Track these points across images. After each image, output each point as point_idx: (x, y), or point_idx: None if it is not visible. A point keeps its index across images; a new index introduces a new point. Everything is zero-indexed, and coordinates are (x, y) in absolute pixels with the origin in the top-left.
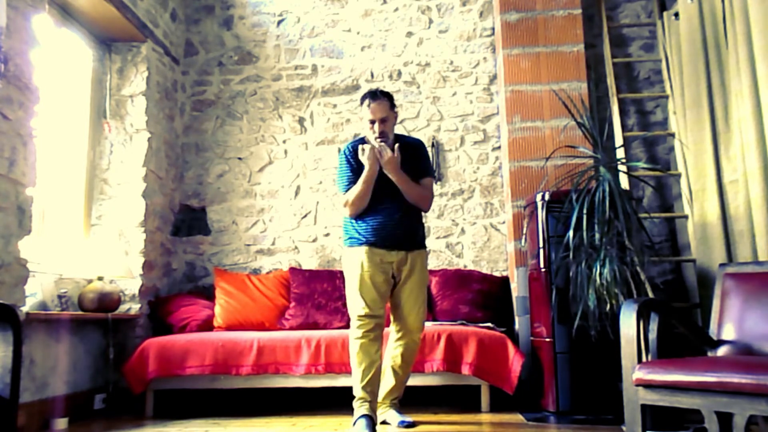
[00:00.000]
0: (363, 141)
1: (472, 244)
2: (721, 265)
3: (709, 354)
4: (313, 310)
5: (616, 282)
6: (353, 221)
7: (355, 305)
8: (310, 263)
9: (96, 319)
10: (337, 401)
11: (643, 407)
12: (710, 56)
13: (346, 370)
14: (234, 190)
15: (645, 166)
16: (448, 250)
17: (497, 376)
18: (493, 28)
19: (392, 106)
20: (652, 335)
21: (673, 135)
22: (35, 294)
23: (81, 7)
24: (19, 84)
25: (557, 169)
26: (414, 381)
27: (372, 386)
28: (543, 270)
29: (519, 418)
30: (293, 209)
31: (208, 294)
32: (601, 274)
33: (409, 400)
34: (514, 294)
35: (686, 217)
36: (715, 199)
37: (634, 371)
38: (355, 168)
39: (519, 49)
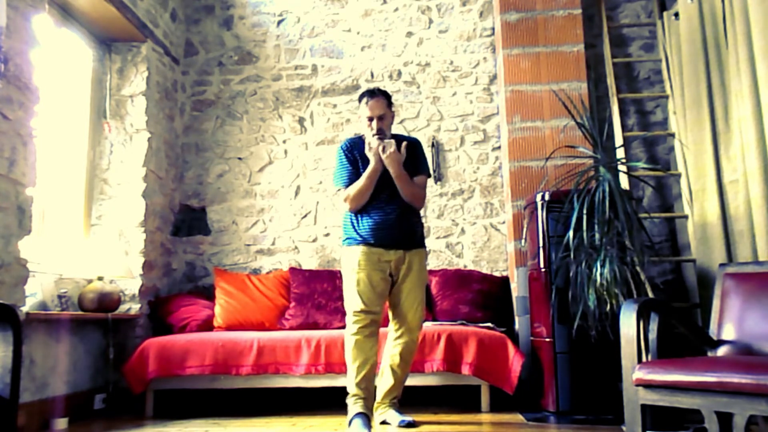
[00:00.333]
0: (361, 138)
1: (472, 244)
2: (721, 265)
3: (709, 354)
4: (313, 310)
5: (616, 282)
6: (352, 221)
7: (351, 302)
8: (310, 263)
9: (96, 319)
10: (337, 401)
11: (643, 407)
12: (710, 56)
13: (346, 370)
14: (234, 190)
15: (645, 166)
16: (448, 250)
17: (497, 376)
18: (493, 28)
19: (389, 104)
20: (652, 335)
21: (673, 135)
22: (35, 294)
23: (81, 7)
24: (19, 84)
25: (557, 169)
26: (414, 381)
27: (367, 383)
28: (543, 270)
29: (519, 418)
30: (293, 209)
31: (208, 294)
32: (601, 274)
33: (409, 400)
34: (514, 294)
35: (686, 217)
36: (715, 199)
37: (634, 371)
38: (353, 161)
39: (519, 49)
